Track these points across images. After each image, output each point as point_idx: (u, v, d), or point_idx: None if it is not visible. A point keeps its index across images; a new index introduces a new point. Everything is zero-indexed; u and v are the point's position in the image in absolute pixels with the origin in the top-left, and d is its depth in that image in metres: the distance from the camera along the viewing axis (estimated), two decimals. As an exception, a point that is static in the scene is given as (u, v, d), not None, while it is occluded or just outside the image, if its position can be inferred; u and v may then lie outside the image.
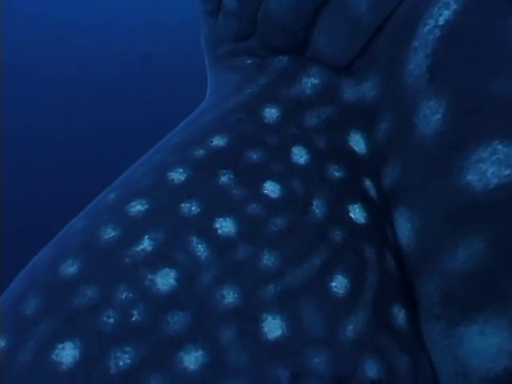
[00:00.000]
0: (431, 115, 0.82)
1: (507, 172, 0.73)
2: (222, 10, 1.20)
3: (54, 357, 0.69)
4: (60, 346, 0.70)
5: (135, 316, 0.71)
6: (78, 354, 0.69)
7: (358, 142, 0.97)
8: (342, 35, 0.99)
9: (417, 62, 0.87)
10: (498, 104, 0.79)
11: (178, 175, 0.86)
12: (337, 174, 0.93)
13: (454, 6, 0.84)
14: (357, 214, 0.89)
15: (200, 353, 0.68)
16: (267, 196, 0.86)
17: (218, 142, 0.93)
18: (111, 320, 0.71)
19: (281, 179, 0.89)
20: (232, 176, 0.87)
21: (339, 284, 0.81)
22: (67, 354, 0.69)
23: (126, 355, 0.68)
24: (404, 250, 0.86)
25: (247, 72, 1.13)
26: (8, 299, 0.80)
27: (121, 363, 0.68)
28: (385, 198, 0.92)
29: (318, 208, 0.87)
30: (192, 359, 0.68)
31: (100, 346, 0.70)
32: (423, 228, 0.82)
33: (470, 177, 0.74)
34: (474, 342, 0.71)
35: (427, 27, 0.86)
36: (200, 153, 0.90)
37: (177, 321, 0.71)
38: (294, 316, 0.75)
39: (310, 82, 1.04)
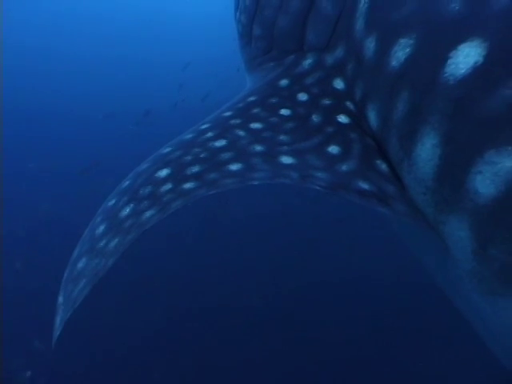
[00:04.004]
0: (370, 44, 1.47)
1: None
2: (253, 37, 2.06)
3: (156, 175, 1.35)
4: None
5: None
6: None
7: (338, 83, 1.64)
8: (322, 27, 1.72)
9: (358, 25, 1.53)
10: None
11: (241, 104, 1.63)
12: (327, 102, 1.59)
13: None
14: (342, 119, 1.53)
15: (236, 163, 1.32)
16: (282, 115, 1.54)
17: (253, 98, 1.65)
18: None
19: (290, 108, 1.58)
20: (260, 109, 1.57)
21: (333, 149, 1.41)
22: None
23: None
24: (375, 131, 1.48)
25: (271, 69, 1.89)
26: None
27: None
28: (359, 107, 1.55)
29: (315, 118, 1.54)
30: (234, 167, 1.31)
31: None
32: (380, 107, 1.43)
33: (393, 63, 1.36)
34: (423, 154, 1.23)
35: (362, 2, 1.53)
36: (251, 99, 1.64)
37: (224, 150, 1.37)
38: (302, 159, 1.36)
39: (307, 63, 1.76)
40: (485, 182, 1.05)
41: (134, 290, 6.67)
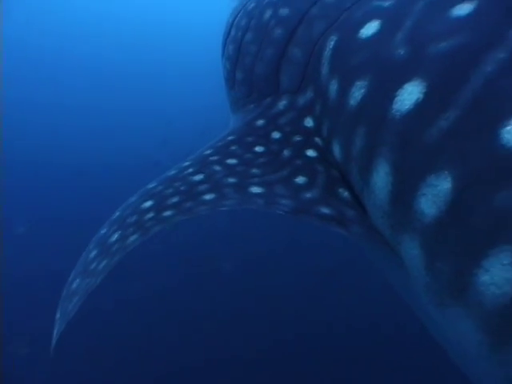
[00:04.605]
0: (333, 86, 1.66)
1: None
2: (236, 82, 2.32)
3: (141, 206, 1.55)
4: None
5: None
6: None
7: (308, 122, 1.82)
8: (293, 72, 1.95)
9: (324, 69, 1.74)
10: None
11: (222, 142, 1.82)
12: (298, 139, 1.77)
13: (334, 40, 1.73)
14: (310, 152, 1.70)
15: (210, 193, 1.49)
16: (256, 151, 1.73)
17: (231, 137, 1.85)
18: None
19: (264, 145, 1.76)
20: (237, 146, 1.75)
21: (300, 180, 1.56)
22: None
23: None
24: (340, 163, 1.63)
25: (251, 110, 2.11)
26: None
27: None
28: (326, 142, 1.71)
29: (286, 153, 1.71)
30: (208, 196, 1.48)
31: None
32: (343, 142, 1.59)
33: (351, 102, 1.53)
34: (378, 182, 1.37)
35: (327, 49, 1.75)
36: (229, 138, 1.82)
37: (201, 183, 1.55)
38: (270, 189, 1.52)
39: (282, 104, 1.98)
40: (428, 203, 1.16)
41: (126, 343, 6.52)
